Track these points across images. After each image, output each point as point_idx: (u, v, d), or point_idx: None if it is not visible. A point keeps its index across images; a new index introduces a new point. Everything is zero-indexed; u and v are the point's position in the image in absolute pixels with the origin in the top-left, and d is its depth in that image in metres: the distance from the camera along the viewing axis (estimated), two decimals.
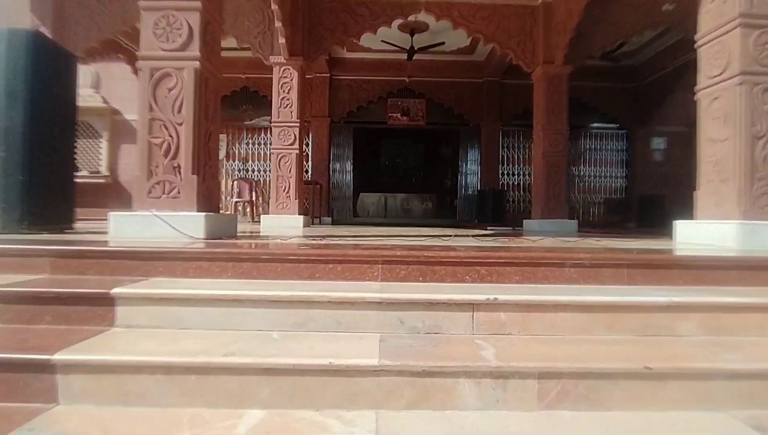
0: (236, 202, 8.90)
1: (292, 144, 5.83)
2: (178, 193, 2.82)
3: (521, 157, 9.73)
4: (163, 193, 2.83)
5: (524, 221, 6.34)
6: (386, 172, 13.95)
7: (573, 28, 5.68)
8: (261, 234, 4.07)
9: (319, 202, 9.18)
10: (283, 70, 5.86)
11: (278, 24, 5.40)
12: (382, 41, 7.86)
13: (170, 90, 2.84)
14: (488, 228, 6.34)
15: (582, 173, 9.78)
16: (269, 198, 5.86)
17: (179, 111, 2.83)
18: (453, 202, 11.41)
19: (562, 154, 6.00)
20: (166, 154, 2.82)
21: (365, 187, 11.66)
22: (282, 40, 5.56)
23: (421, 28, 7.65)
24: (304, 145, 9.49)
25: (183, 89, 2.83)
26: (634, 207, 9.26)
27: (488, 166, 9.49)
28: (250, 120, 9.56)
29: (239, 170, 9.64)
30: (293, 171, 5.82)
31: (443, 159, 13.07)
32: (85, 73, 8.07)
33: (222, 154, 9.58)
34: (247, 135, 9.65)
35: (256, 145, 9.57)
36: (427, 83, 9.51)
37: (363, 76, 9.47)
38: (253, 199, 8.92)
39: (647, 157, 9.44)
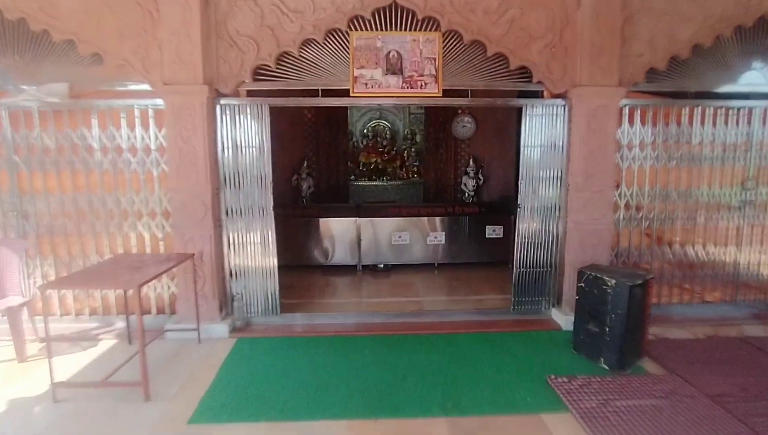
0: None
1: None
2: None
3: (674, 162, 4.33)
4: None
5: None
6: (361, 174, 8.45)
7: None
8: None
9: (194, 289, 3.83)
10: None
11: None
12: None
13: None
14: None
15: None
16: None
17: None
18: (491, 231, 6.09)
19: None
20: None
21: (318, 210, 6.25)
22: None
23: None
24: (152, 158, 3.99)
25: None
26: None
27: (587, 183, 4.07)
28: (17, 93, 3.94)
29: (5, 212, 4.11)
30: None
31: (472, 152, 7.53)
32: None
33: None
34: (24, 124, 4.03)
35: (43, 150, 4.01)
36: None
37: None
38: (25, 293, 3.56)
39: None
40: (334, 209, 6.25)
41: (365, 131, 9.29)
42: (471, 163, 7.08)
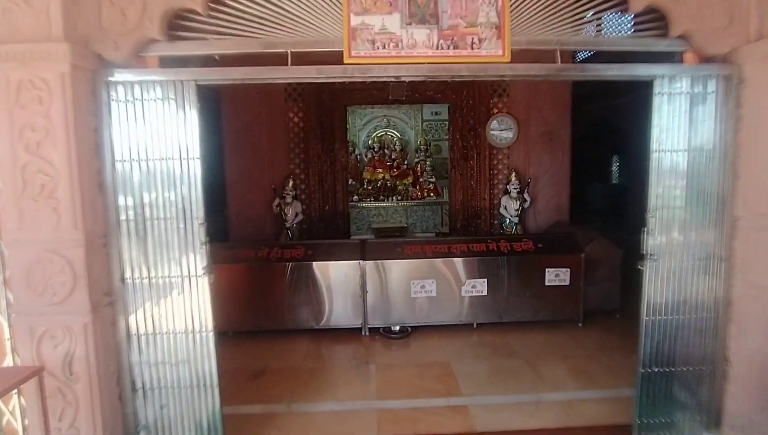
0: None
1: None
2: None
3: None
4: None
5: None
6: (365, 193, 6.97)
7: None
8: None
9: (45, 429, 1.95)
10: None
11: None
12: None
13: None
14: None
15: None
16: None
17: None
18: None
19: None
20: None
21: (305, 251, 4.38)
22: None
23: None
24: None
25: None
26: None
27: None
28: None
29: None
30: None
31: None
32: None
33: None
34: None
35: None
36: None
37: None
38: None
39: None
40: (329, 248, 4.43)
41: (370, 142, 7.63)
42: (513, 178, 5.25)
